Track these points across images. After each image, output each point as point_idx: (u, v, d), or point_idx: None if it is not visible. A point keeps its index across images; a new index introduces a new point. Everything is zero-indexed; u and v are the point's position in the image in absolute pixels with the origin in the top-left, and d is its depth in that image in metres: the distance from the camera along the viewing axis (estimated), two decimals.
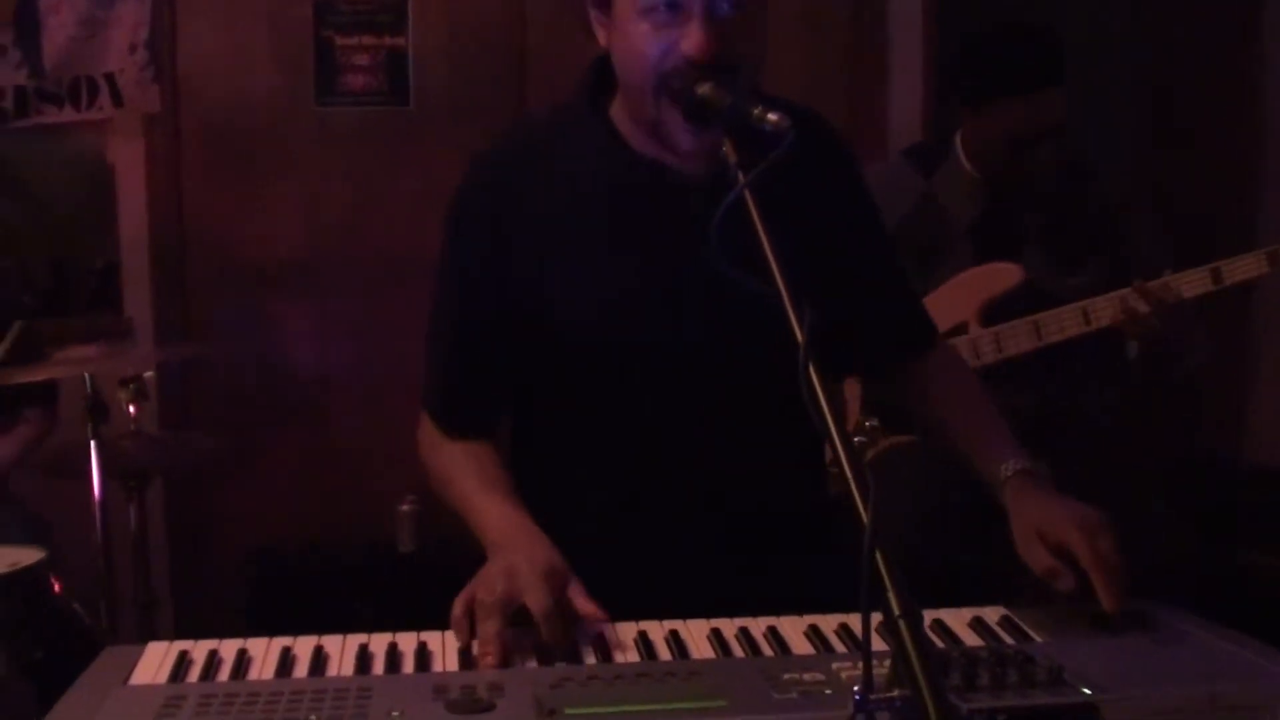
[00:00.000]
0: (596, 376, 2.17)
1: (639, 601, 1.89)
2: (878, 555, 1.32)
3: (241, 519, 5.07)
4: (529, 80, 4.99)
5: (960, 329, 3.53)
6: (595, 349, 2.14)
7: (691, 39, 1.91)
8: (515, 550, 1.89)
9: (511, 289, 2.14)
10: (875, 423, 3.59)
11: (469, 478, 2.14)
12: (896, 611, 1.28)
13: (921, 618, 1.29)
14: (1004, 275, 3.52)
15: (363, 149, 5.03)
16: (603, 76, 2.17)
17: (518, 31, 5.03)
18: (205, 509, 5.11)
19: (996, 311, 3.52)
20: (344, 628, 1.88)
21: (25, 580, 3.37)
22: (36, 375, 3.82)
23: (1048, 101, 3.40)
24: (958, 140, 3.62)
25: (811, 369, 1.48)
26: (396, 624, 1.88)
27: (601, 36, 2.10)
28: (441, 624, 1.86)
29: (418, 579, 4.78)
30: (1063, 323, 3.44)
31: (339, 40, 4.98)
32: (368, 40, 4.99)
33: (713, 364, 2.14)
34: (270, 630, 1.90)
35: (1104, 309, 3.37)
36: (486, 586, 1.80)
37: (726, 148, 1.73)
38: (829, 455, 3.52)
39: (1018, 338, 3.49)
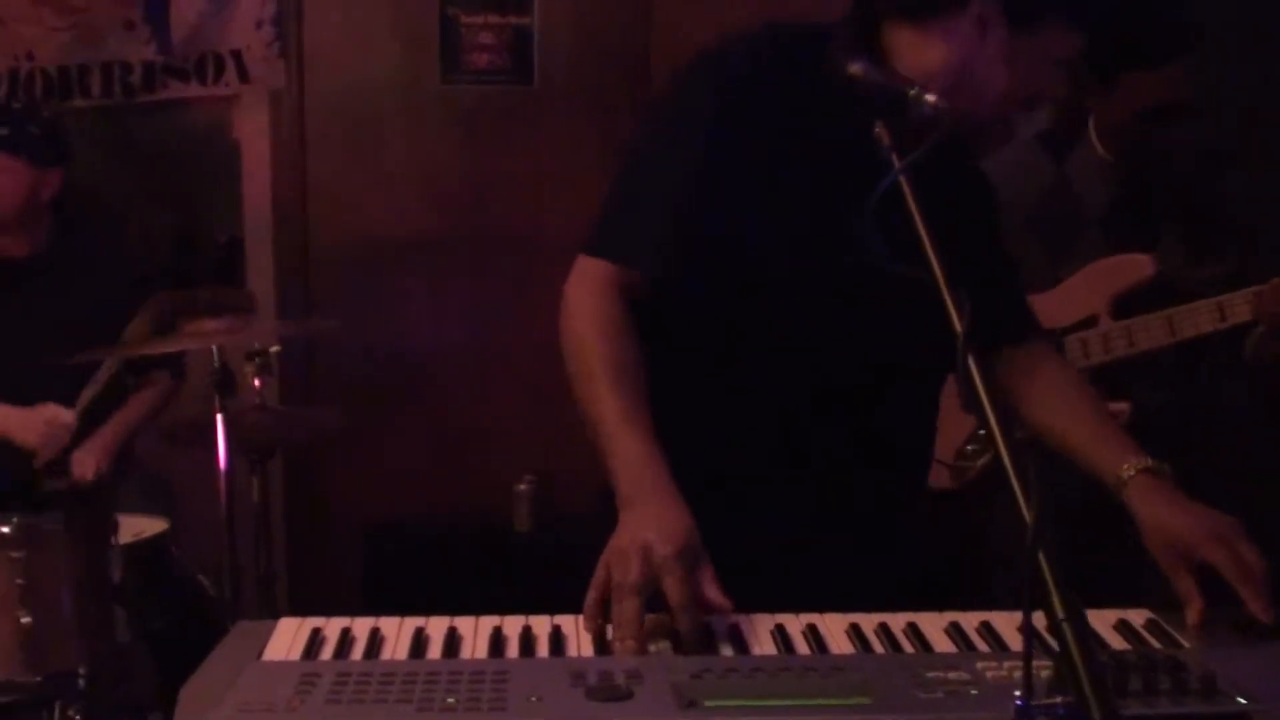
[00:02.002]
0: (745, 301, 2.11)
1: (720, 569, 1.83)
2: (1039, 554, 1.27)
3: (358, 495, 5.10)
4: (654, 59, 4.95)
5: (1090, 321, 3.46)
6: (754, 268, 2.09)
7: (1060, 89, 1.98)
8: (648, 514, 1.83)
9: (712, 180, 2.08)
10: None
11: (611, 389, 1.99)
12: (1060, 614, 1.24)
13: (1086, 620, 1.24)
14: (1136, 267, 3.45)
15: (485, 127, 5.03)
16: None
17: (643, 10, 5.00)
18: (323, 484, 5.15)
19: (1128, 304, 3.45)
20: (458, 606, 1.85)
21: (149, 550, 3.43)
22: (168, 348, 3.85)
23: (1177, 75, 3.31)
24: (1091, 123, 3.54)
25: (971, 359, 1.42)
26: (511, 603, 1.85)
27: (966, 29, 2.00)
28: (562, 605, 1.83)
29: (533, 558, 4.78)
30: (1197, 318, 3.36)
31: (464, 18, 4.98)
32: (493, 18, 4.98)
33: (860, 315, 2.10)
34: (385, 607, 1.88)
35: (1240, 305, 3.28)
36: (622, 567, 1.75)
37: (879, 129, 1.69)
38: (958, 446, 3.49)
39: (1150, 332, 3.41)
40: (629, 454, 1.92)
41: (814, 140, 2.08)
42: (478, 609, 1.85)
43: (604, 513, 1.96)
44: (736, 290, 2.11)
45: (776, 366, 2.14)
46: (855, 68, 1.82)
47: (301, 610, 1.85)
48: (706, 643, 1.73)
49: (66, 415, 3.72)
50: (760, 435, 2.16)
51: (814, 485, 2.16)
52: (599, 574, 1.78)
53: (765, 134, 2.08)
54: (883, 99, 1.75)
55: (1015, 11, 1.96)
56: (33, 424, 3.73)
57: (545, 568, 4.69)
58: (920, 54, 2.02)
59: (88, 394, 3.77)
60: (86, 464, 3.79)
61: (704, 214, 2.08)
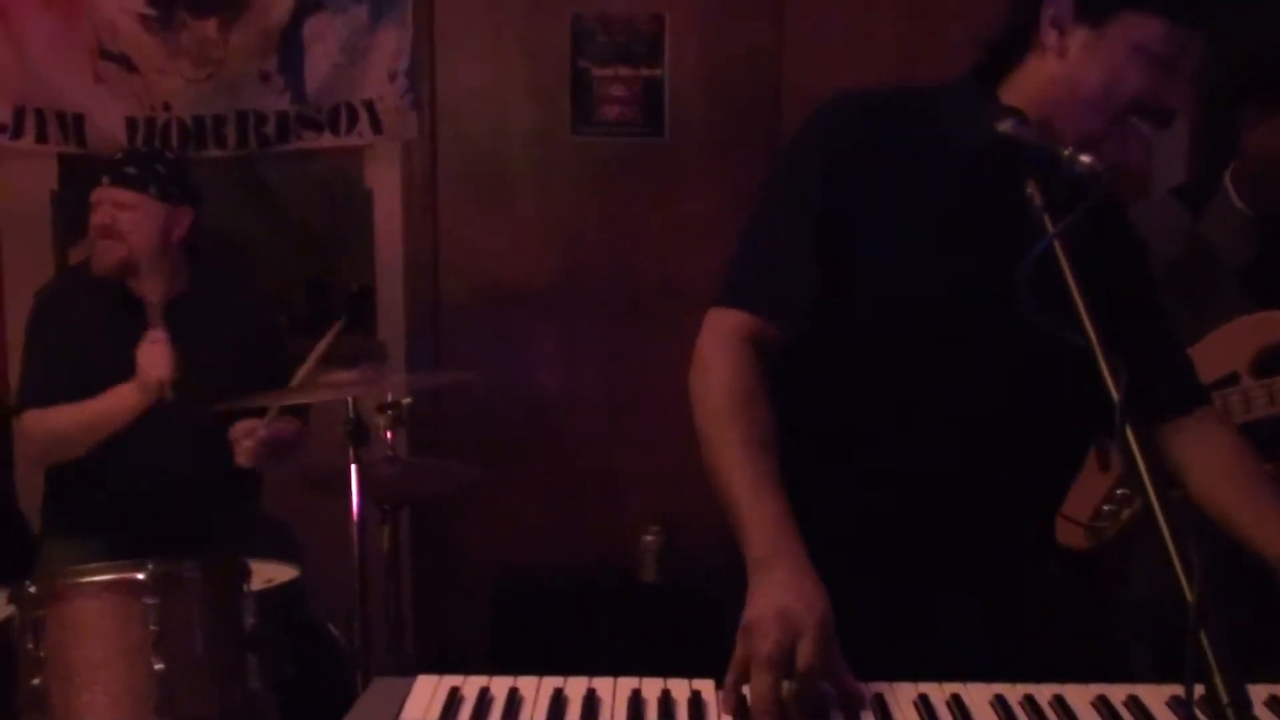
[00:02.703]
0: (880, 359, 2.10)
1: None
2: (1203, 634, 1.23)
3: (487, 545, 5.11)
4: (785, 112, 4.94)
5: (1230, 379, 3.38)
6: (890, 325, 2.09)
7: (1177, 96, 1.96)
8: (782, 581, 1.80)
9: (847, 227, 2.08)
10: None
11: (743, 454, 1.97)
12: (1225, 698, 1.20)
13: (1251, 706, 1.20)
14: (1278, 324, 3.37)
15: (616, 179, 5.05)
16: (995, 59, 2.14)
17: (773, 60, 4.99)
18: (452, 534, 5.16)
19: (1270, 362, 3.36)
20: (585, 656, 1.84)
21: (281, 597, 3.43)
22: (305, 399, 3.89)
23: None
24: (1228, 176, 3.48)
25: (1129, 430, 1.39)
26: (637, 654, 1.84)
27: (1052, 39, 2.05)
28: (687, 657, 1.81)
29: (660, 609, 4.77)
30: None
31: (595, 71, 5.00)
32: (624, 71, 5.00)
33: (996, 380, 2.08)
34: (512, 657, 1.87)
35: None
36: (759, 638, 1.73)
37: (1031, 189, 1.67)
38: (1095, 506, 3.41)
39: None
40: (761, 520, 1.90)
41: (949, 194, 2.08)
42: (604, 659, 1.84)
43: (731, 565, 1.95)
44: (872, 348, 2.10)
45: (911, 429, 2.11)
46: (1005, 125, 1.80)
47: (430, 659, 1.85)
48: (820, 714, 1.70)
49: (168, 359, 3.75)
50: (892, 499, 2.13)
51: (947, 550, 2.13)
52: (737, 651, 1.75)
53: (896, 186, 2.08)
54: (1033, 158, 1.73)
55: (1083, 5, 2.01)
56: (143, 374, 3.75)
57: (671, 619, 4.70)
58: (1028, 83, 2.06)
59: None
60: (243, 440, 3.83)
61: (837, 268, 2.07)
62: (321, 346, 3.80)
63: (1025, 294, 1.50)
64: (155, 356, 3.74)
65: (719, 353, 2.07)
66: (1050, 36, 2.04)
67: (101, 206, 3.89)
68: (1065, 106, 2.01)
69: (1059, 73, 2.03)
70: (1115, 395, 1.42)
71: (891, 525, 2.12)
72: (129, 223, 3.89)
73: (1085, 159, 1.63)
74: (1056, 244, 1.57)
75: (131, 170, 3.92)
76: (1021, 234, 1.74)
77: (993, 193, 1.98)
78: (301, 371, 3.80)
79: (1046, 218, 1.61)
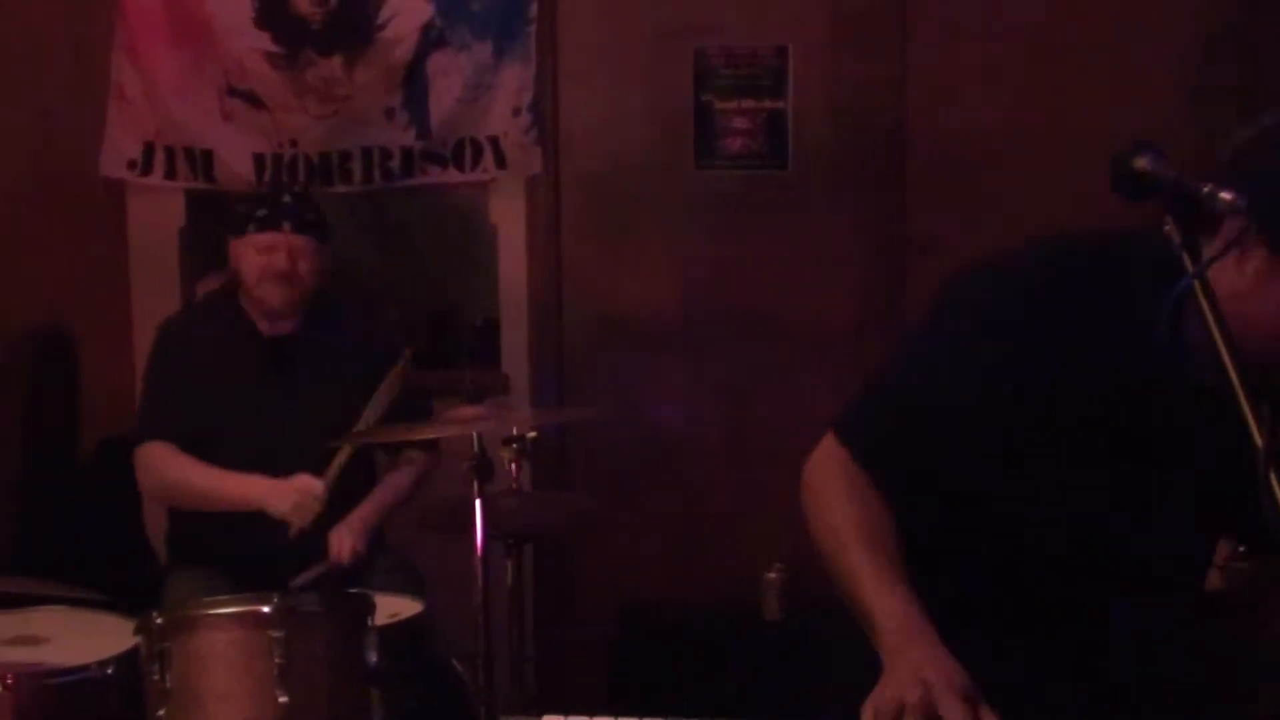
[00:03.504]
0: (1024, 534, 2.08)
1: None
2: None
3: (609, 580, 5.09)
4: (909, 146, 4.91)
5: None
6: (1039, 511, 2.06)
7: None
8: (920, 656, 1.79)
9: (1009, 397, 2.02)
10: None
11: (865, 553, 1.99)
12: None
13: None
14: None
15: (740, 211, 5.02)
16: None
17: (897, 92, 4.96)
18: (574, 569, 5.16)
19: None
20: (707, 694, 1.84)
21: (404, 632, 3.46)
22: (427, 434, 3.92)
23: None
24: None
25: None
26: (759, 692, 1.83)
27: (1250, 270, 1.84)
28: (809, 697, 1.80)
29: (782, 648, 4.71)
30: None
31: (719, 104, 5.00)
32: (747, 103, 4.99)
33: (1146, 558, 2.06)
34: (633, 694, 1.87)
35: None
36: (897, 695, 1.71)
37: (1169, 226, 1.63)
38: (1231, 548, 3.34)
39: None
40: (892, 610, 1.90)
41: (1128, 378, 2.00)
42: (726, 699, 1.84)
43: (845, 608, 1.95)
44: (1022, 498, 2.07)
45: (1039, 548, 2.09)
46: (1142, 162, 1.74)
47: (551, 696, 1.85)
48: None
49: (317, 485, 3.78)
50: (1023, 586, 2.11)
51: (1087, 639, 2.11)
52: (874, 704, 1.74)
53: (1076, 366, 2.00)
54: (1172, 194, 1.68)
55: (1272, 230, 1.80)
56: (284, 493, 3.79)
57: (794, 657, 4.65)
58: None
59: (334, 466, 3.83)
60: (343, 544, 3.86)
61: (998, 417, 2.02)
62: (384, 387, 3.83)
63: (1167, 338, 1.47)
64: (306, 507, 3.80)
65: (826, 475, 2.11)
66: (1251, 267, 1.84)
67: (278, 252, 3.93)
68: (1244, 326, 1.73)
69: (1238, 285, 1.82)
70: (1259, 441, 1.38)
71: (1020, 611, 2.11)
72: (305, 270, 3.97)
73: (1226, 195, 1.58)
74: (1197, 283, 1.53)
75: (310, 217, 4.01)
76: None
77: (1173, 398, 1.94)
78: (367, 414, 3.83)
79: (1186, 256, 1.57)
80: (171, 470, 3.93)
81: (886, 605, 1.91)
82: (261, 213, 3.98)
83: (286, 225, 3.96)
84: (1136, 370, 1.96)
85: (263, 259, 3.93)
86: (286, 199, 4.03)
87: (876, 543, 2.00)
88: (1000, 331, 2.02)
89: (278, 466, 3.85)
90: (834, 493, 2.08)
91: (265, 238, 3.94)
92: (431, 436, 4.00)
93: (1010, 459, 2.03)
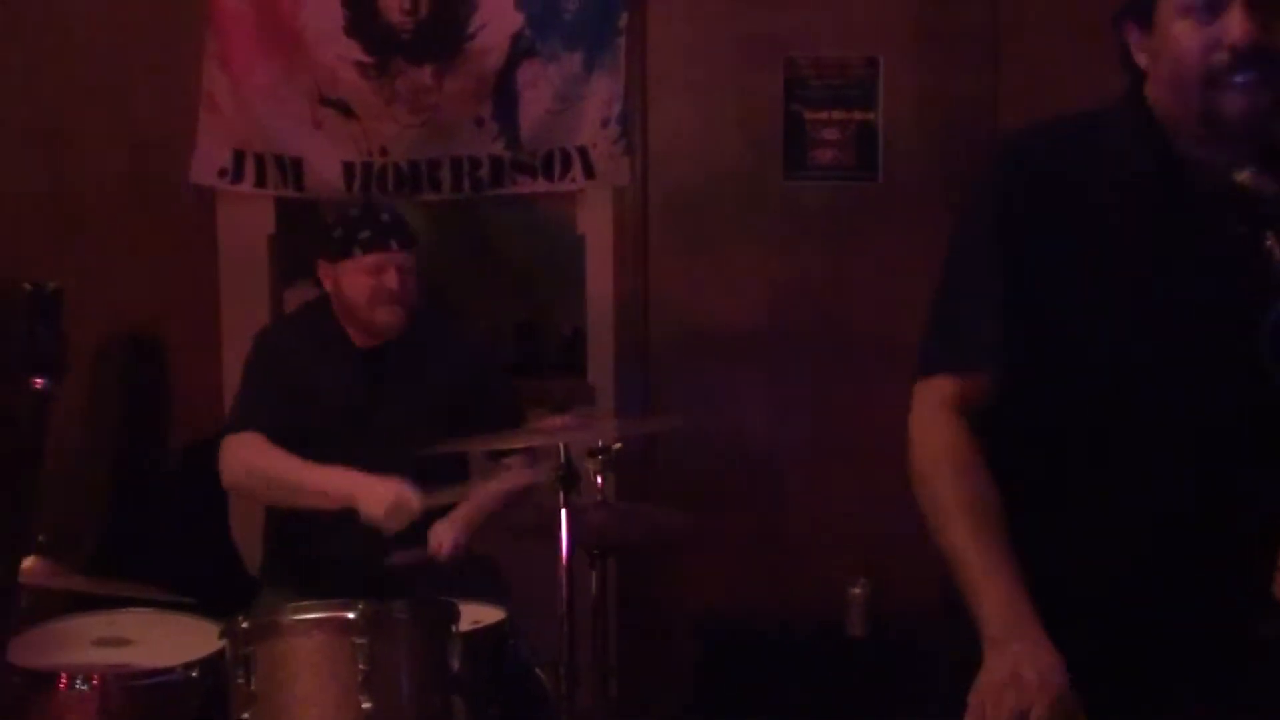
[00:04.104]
0: (1094, 394, 2.09)
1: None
2: None
3: (691, 593, 5.08)
4: None
5: None
6: (1100, 369, 2.08)
7: (1233, 29, 1.94)
8: (1020, 652, 1.79)
9: (1037, 269, 2.11)
10: None
11: (970, 531, 2.00)
12: None
13: None
14: None
15: (829, 223, 5.00)
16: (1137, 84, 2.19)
17: (989, 101, 4.92)
18: (658, 580, 5.15)
19: None
20: (789, 710, 1.83)
21: (488, 639, 3.45)
22: (518, 443, 3.91)
23: None
24: None
25: None
26: (842, 708, 1.83)
27: (1142, 60, 2.14)
28: (894, 713, 1.79)
29: (866, 664, 4.68)
30: None
31: (808, 114, 4.97)
32: (837, 114, 4.97)
33: (1224, 407, 2.05)
34: (715, 707, 1.87)
35: None
36: (994, 701, 1.70)
37: (1271, 242, 1.62)
38: None
39: None
40: (996, 597, 1.91)
41: (1137, 217, 2.07)
42: (808, 714, 1.84)
43: (942, 619, 2.00)
44: (1086, 390, 2.08)
45: (1137, 472, 2.07)
46: (1243, 176, 1.75)
47: (634, 708, 1.84)
48: None
49: (416, 499, 3.74)
50: (1122, 549, 2.08)
51: (1179, 601, 2.06)
52: (972, 708, 1.73)
53: (1082, 216, 2.09)
54: (1271, 207, 1.68)
55: (1134, 16, 2.14)
56: (379, 494, 3.75)
57: (878, 674, 4.62)
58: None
59: (441, 497, 3.81)
60: (444, 539, 3.82)
61: (1037, 310, 2.08)
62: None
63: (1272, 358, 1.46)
64: (401, 515, 3.78)
65: (928, 427, 2.13)
66: (1140, 59, 2.14)
67: (389, 271, 3.92)
68: (1171, 106, 2.08)
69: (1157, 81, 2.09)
70: None
71: (1122, 577, 2.07)
72: (415, 287, 3.99)
73: None
74: None
75: (410, 231, 4.02)
76: (1219, 250, 1.81)
77: (1181, 209, 2.04)
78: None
79: None
80: (258, 458, 3.90)
81: (990, 591, 1.93)
82: (365, 234, 3.95)
83: (393, 244, 3.95)
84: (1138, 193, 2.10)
85: (373, 281, 3.91)
86: (385, 217, 4.01)
87: (980, 517, 2.01)
88: (993, 201, 2.18)
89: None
90: (935, 457, 2.10)
91: (373, 259, 3.92)
92: (518, 446, 3.99)
93: (1063, 328, 2.09)
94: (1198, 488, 2.08)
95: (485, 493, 4.02)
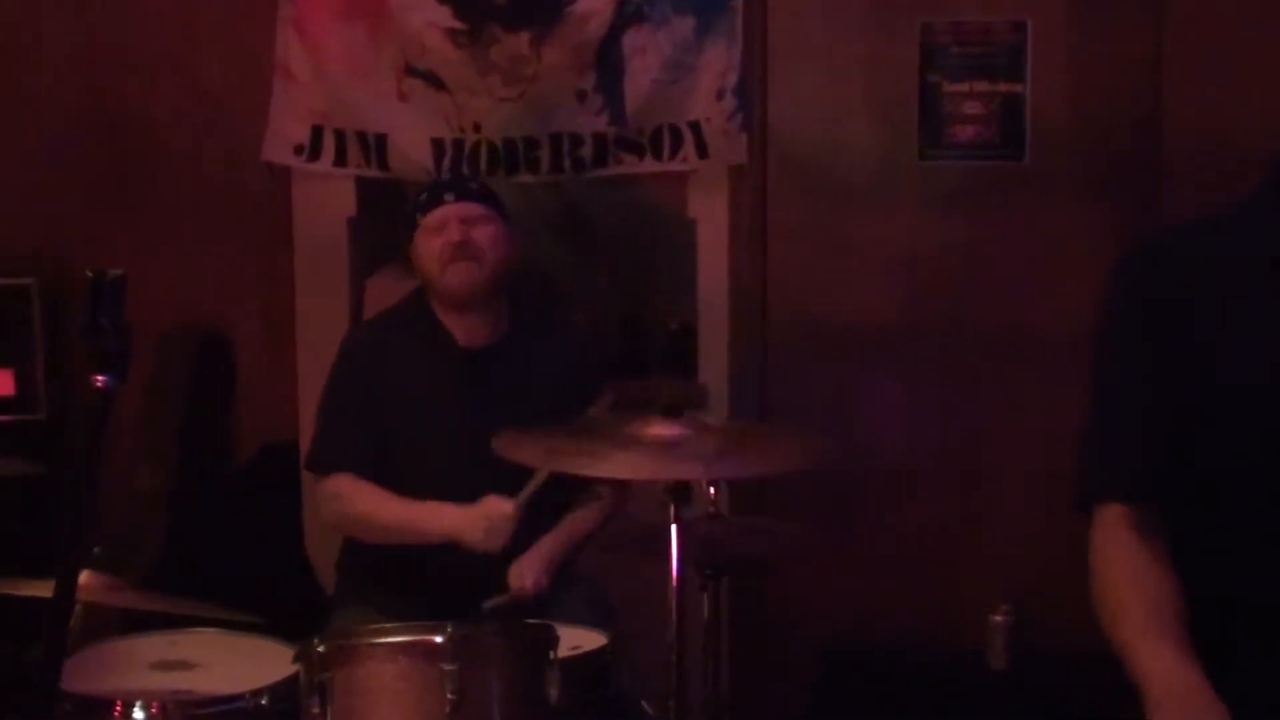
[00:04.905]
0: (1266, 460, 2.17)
1: None
2: None
3: (812, 617, 5.06)
4: (1166, 128, 4.80)
5: None
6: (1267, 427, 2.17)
7: None
8: (1186, 713, 1.89)
9: (1183, 361, 2.22)
10: None
11: (1139, 621, 2.13)
12: None
13: None
14: None
15: (969, 208, 4.96)
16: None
17: (1153, 76, 4.84)
18: (774, 603, 5.13)
19: None
20: None
21: (588, 666, 3.44)
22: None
23: None
24: None
25: None
26: None
27: None
28: None
29: (1008, 699, 4.65)
30: None
31: (947, 86, 4.92)
32: (980, 85, 4.91)
33: None
34: None
35: None
36: None
37: None
38: None
39: None
40: (1158, 669, 2.01)
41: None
42: None
43: (1093, 651, 2.11)
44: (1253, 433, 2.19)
45: None
46: None
47: None
48: None
49: (506, 505, 3.77)
50: None
51: None
52: None
53: (1225, 306, 2.22)
54: None
55: None
56: (475, 520, 3.79)
57: (1022, 711, 4.58)
58: None
59: (530, 487, 3.81)
60: (524, 579, 3.85)
61: (1194, 410, 2.21)
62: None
63: None
64: (498, 530, 3.80)
65: (1107, 548, 2.26)
66: None
67: (451, 224, 3.96)
68: None
69: None
70: None
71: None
72: (484, 238, 3.99)
73: None
74: None
75: (474, 185, 4.08)
76: None
77: None
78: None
79: None
80: (357, 503, 3.96)
81: (1153, 665, 2.02)
82: (423, 196, 4.06)
83: (449, 196, 4.01)
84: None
85: (437, 239, 3.96)
86: (446, 177, 4.06)
87: (1149, 610, 2.14)
88: (1128, 309, 2.33)
89: (470, 487, 3.85)
90: (1114, 575, 2.23)
91: (433, 216, 3.99)
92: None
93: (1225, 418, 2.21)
94: None
95: (568, 528, 4.04)
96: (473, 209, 4.00)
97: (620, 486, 4.13)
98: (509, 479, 3.74)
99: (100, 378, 2.24)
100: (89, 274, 2.24)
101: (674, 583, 3.35)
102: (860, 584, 5.04)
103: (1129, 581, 2.18)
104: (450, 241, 3.94)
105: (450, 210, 3.98)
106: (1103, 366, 2.37)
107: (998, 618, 4.79)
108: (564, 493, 4.07)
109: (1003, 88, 4.91)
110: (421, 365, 4.05)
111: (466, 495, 3.84)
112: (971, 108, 4.92)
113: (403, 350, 4.06)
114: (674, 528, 3.32)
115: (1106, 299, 2.37)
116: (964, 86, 4.93)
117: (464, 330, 4.05)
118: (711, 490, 3.59)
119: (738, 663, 5.00)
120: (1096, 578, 2.23)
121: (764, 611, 5.12)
